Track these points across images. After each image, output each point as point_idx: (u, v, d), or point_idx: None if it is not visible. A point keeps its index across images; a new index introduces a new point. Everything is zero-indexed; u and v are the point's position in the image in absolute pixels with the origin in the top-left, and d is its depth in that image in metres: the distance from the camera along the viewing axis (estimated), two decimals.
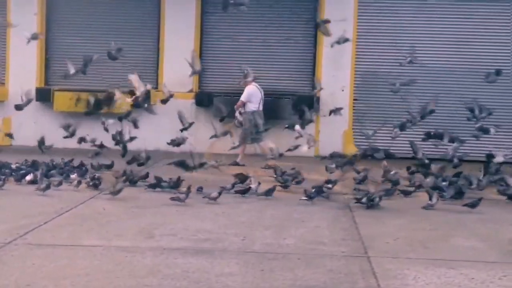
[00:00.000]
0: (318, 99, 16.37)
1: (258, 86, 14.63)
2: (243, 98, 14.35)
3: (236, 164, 13.94)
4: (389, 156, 12.31)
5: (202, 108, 16.46)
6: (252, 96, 14.34)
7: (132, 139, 11.92)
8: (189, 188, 10.41)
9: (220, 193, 10.31)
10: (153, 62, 16.81)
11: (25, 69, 16.66)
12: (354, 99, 16.45)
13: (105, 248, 7.49)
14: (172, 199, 10.05)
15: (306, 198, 10.45)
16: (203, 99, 16.39)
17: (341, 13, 16.31)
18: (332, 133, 16.15)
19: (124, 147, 11.91)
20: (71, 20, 17.07)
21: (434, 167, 11.53)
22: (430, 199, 10.27)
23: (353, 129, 16.54)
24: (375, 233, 8.49)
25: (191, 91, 16.25)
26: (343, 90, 16.33)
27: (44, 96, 16.40)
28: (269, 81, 16.45)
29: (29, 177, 11.39)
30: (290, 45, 16.70)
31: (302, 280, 6.48)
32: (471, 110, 12.08)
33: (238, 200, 10.43)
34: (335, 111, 12.71)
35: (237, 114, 14.39)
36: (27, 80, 16.14)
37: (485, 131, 12.07)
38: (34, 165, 12.21)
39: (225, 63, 16.77)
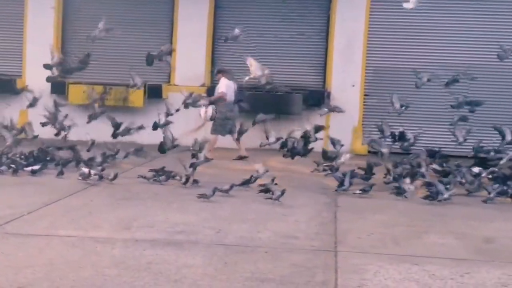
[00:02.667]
0: (328, 94, 16.39)
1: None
2: (223, 89, 14.36)
3: (241, 158, 14.07)
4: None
5: None
6: (228, 88, 14.42)
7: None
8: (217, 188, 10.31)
9: (283, 192, 10.14)
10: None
11: (41, 62, 16.80)
12: (365, 95, 16.41)
13: (78, 238, 7.62)
14: (200, 196, 10.00)
15: (360, 192, 10.65)
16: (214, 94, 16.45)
17: (353, 8, 16.35)
18: (341, 129, 16.07)
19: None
20: (87, 14, 17.22)
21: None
22: (489, 192, 10.50)
23: (362, 125, 16.50)
24: (351, 228, 8.52)
25: (203, 85, 16.34)
26: (353, 86, 16.29)
27: (59, 89, 16.60)
28: (280, 76, 16.49)
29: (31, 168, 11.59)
30: (301, 40, 16.70)
31: (260, 273, 6.54)
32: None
33: (226, 194, 10.45)
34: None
35: (212, 106, 14.43)
36: (43, 73, 16.29)
37: None
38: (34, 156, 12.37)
39: (237, 58, 16.79)
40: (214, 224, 8.53)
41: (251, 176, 10.86)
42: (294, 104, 16.16)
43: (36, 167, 11.59)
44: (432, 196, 10.36)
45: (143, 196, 10.24)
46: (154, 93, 16.49)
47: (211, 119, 14.16)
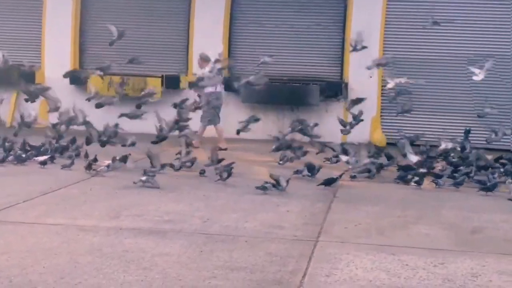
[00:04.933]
0: (346, 85, 16.30)
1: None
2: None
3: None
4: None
5: (231, 92, 16.51)
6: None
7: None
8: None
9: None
10: (183, 47, 16.96)
11: (60, 53, 17.04)
12: (383, 86, 16.25)
13: (64, 226, 7.73)
14: (258, 188, 9.96)
15: (415, 185, 10.74)
16: (231, 84, 16.46)
17: None
18: None
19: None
20: (105, 4, 17.36)
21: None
22: None
23: (381, 116, 16.38)
24: (340, 219, 8.50)
25: None
26: (371, 77, 16.14)
27: (78, 79, 16.72)
28: (297, 67, 16.49)
29: (41, 158, 11.70)
30: (318, 31, 16.62)
31: (233, 262, 6.58)
32: None
33: (226, 185, 10.50)
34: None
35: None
36: (62, 64, 16.54)
37: None
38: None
39: (254, 48, 16.81)
40: (204, 213, 8.57)
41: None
42: (311, 95, 16.10)
43: (44, 158, 11.65)
44: (488, 188, 10.36)
45: (143, 186, 10.29)
46: (172, 83, 16.54)
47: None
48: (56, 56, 16.91)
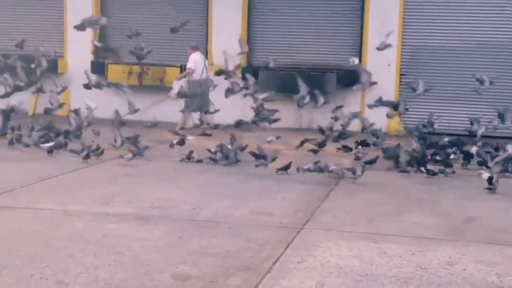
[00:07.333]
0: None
1: (201, 55, 14.86)
2: (191, 65, 14.45)
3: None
4: None
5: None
6: (197, 64, 14.35)
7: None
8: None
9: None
10: (202, 37, 16.91)
11: (82, 43, 17.09)
12: (401, 74, 16.05)
13: (52, 212, 7.76)
14: (278, 170, 10.30)
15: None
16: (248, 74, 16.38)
17: None
18: (377, 108, 15.76)
19: None
20: None
21: None
22: None
23: None
24: (334, 207, 8.38)
25: (239, 65, 16.25)
26: (389, 65, 15.95)
27: (98, 69, 16.83)
28: (315, 55, 16.36)
29: (47, 145, 11.75)
30: (337, 19, 16.44)
31: (209, 247, 6.54)
32: None
33: (231, 172, 10.51)
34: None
35: (181, 83, 14.37)
36: (83, 54, 16.67)
37: None
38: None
39: (273, 37, 16.74)
40: (198, 200, 8.53)
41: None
42: (328, 83, 15.91)
43: (50, 145, 11.69)
44: None
45: (146, 173, 10.31)
46: None
47: (179, 96, 13.96)
48: (78, 46, 16.98)
